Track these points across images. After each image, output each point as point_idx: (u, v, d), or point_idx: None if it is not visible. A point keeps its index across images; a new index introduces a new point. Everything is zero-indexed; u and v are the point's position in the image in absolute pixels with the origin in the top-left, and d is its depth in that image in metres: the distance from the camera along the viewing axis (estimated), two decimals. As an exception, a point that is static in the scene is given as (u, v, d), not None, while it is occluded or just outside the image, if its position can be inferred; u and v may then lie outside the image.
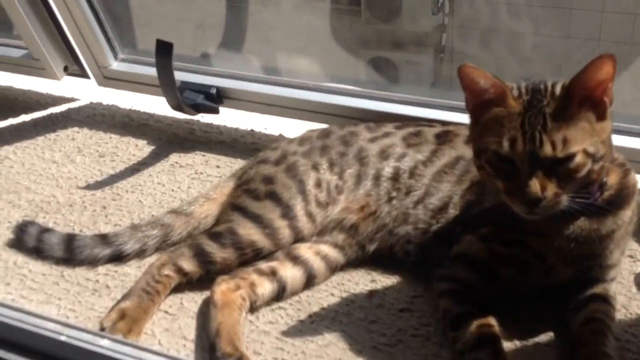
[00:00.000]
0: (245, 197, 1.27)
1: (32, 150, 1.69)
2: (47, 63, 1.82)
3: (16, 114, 1.86)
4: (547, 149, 0.94)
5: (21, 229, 1.35)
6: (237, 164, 1.58)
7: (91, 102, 1.90)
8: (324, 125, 1.62)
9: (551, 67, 2.32)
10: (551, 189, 0.95)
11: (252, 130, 1.71)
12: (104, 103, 1.89)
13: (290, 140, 1.36)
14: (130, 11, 1.92)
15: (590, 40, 2.28)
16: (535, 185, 0.94)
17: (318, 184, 1.25)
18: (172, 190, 1.51)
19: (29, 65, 1.87)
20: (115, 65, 1.76)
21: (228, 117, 1.75)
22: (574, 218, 1.02)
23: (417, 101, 1.48)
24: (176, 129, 1.75)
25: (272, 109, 1.62)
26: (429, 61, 2.62)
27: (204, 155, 1.63)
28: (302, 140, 1.34)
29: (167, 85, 1.54)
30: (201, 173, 1.56)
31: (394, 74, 2.53)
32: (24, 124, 1.82)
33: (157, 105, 1.84)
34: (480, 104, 1.01)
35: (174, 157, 1.63)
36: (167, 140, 1.71)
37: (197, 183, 1.53)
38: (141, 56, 1.90)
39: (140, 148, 1.68)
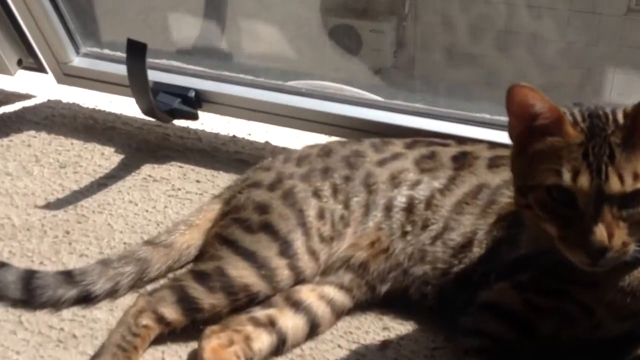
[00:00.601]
0: (236, 228, 1.10)
1: (-19, 159, 1.48)
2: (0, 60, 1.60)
3: (-38, 113, 1.64)
4: (615, 184, 0.79)
5: (-32, 264, 1.16)
6: (220, 178, 1.40)
7: (49, 100, 1.68)
8: (315, 135, 1.46)
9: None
10: (619, 237, 0.80)
11: (234, 137, 1.53)
12: (64, 101, 1.68)
13: (286, 159, 1.18)
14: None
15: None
16: (601, 231, 0.79)
17: (320, 215, 1.08)
18: (146, 211, 1.32)
19: (-24, 57, 1.64)
20: (77, 62, 1.55)
21: (206, 121, 1.56)
22: (631, 267, 0.87)
23: (423, 111, 1.31)
24: (147, 133, 1.55)
25: (258, 115, 1.43)
26: (392, 30, 2.53)
27: (180, 167, 1.44)
28: (299, 159, 1.17)
29: (139, 90, 1.34)
30: (179, 189, 1.38)
31: (357, 43, 2.42)
32: (-30, 126, 1.60)
33: (124, 105, 1.64)
34: (530, 131, 0.85)
35: (146, 169, 1.44)
36: (138, 147, 1.51)
37: (174, 202, 1.34)
38: (106, 49, 1.69)
39: (107, 157, 1.48)
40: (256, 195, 1.12)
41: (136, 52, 1.26)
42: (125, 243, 1.24)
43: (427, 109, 1.30)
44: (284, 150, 1.47)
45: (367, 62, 2.40)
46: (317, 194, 1.10)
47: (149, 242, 1.16)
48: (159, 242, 1.15)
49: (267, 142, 1.50)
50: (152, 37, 1.66)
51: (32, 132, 1.56)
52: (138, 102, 1.39)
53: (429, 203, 1.06)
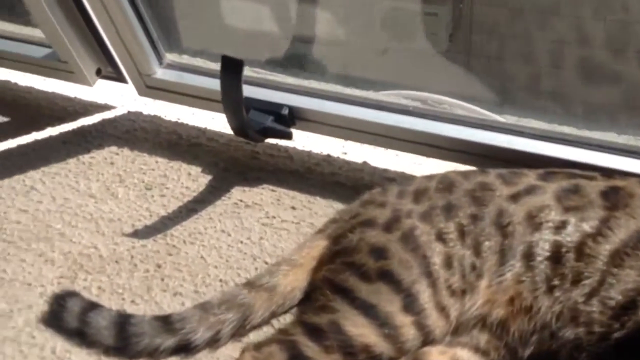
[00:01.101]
0: (350, 274, 0.98)
1: (63, 179, 1.40)
2: (77, 67, 1.51)
3: (40, 126, 1.56)
4: None
5: (59, 302, 1.07)
6: (317, 204, 1.29)
7: (129, 112, 1.59)
8: (418, 156, 1.33)
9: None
10: None
11: (328, 156, 1.41)
12: (145, 113, 1.59)
13: (400, 193, 1.06)
14: (173, 3, 1.60)
15: None
16: None
17: (448, 263, 0.96)
18: (241, 242, 1.22)
19: (54, 67, 1.56)
20: (160, 74, 1.45)
21: (296, 137, 1.44)
22: None
23: (554, 136, 1.16)
24: (235, 151, 1.45)
25: (359, 135, 1.31)
26: (448, 12, 2.34)
27: (273, 191, 1.33)
28: (416, 194, 1.04)
29: (232, 109, 1.23)
30: (273, 217, 1.27)
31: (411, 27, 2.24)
32: (50, 140, 1.52)
33: (207, 117, 1.54)
34: None
35: (237, 193, 1.34)
36: (226, 167, 1.41)
37: (270, 232, 1.24)
38: (185, 54, 1.60)
39: (194, 178, 1.38)
40: (371, 237, 1.00)
41: (231, 69, 1.16)
42: (221, 280, 1.14)
43: (559, 133, 1.16)
44: (384, 171, 1.36)
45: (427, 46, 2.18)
46: (441, 237, 0.98)
47: (250, 285, 1.06)
48: (261, 284, 1.05)
49: (365, 163, 1.38)
50: (236, 45, 1.56)
51: (114, 149, 1.48)
52: (230, 121, 1.29)
53: (580, 251, 0.92)
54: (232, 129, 1.31)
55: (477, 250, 0.96)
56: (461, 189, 1.03)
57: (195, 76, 1.43)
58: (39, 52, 1.55)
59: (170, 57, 1.50)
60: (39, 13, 1.44)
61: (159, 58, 1.44)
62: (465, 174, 1.08)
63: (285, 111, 1.32)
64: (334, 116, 1.32)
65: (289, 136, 1.32)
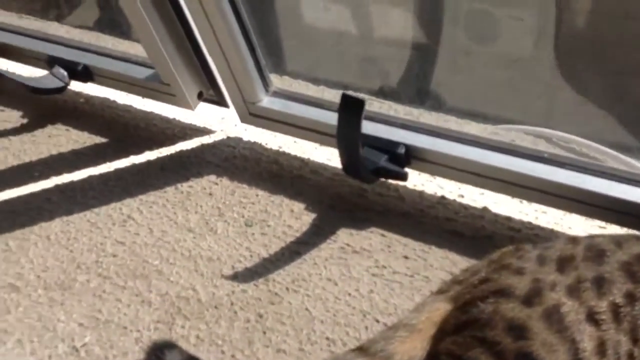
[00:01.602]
0: (481, 352, 0.86)
1: (160, 208, 1.34)
2: (179, 90, 1.44)
3: (139, 149, 1.51)
4: None
5: (157, 354, 1.00)
6: (432, 254, 1.18)
7: (228, 138, 1.52)
8: (549, 208, 1.19)
9: None
10: None
11: (443, 198, 1.29)
12: (245, 139, 1.51)
13: (541, 259, 0.93)
14: (278, 25, 1.52)
15: None
16: None
17: (600, 350, 0.83)
18: (348, 294, 1.12)
19: (156, 89, 1.50)
20: (266, 102, 1.37)
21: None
22: None
23: None
24: (340, 187, 1.35)
25: (480, 180, 1.19)
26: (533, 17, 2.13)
27: (383, 236, 1.23)
28: (561, 262, 0.91)
29: (348, 148, 1.13)
30: (384, 266, 1.16)
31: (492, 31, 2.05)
32: (149, 165, 1.46)
33: (310, 147, 1.45)
34: None
35: (343, 235, 1.24)
36: (331, 204, 1.31)
37: (380, 284, 1.13)
38: (286, 76, 1.52)
39: (297, 215, 1.29)
40: (507, 310, 0.88)
41: (351, 109, 1.06)
42: (328, 339, 1.05)
43: None
44: (508, 220, 1.23)
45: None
46: (592, 317, 0.85)
47: (363, 352, 0.95)
48: (376, 352, 0.94)
49: (485, 209, 1.25)
50: (345, 69, 1.46)
51: (213, 178, 1.41)
52: (343, 160, 1.19)
53: None
54: (344, 167, 1.21)
55: (635, 337, 0.83)
56: (613, 260, 0.90)
57: (302, 106, 1.33)
58: (141, 72, 1.50)
59: (277, 84, 1.43)
60: (144, 33, 1.39)
61: (266, 85, 1.36)
62: (617, 241, 0.94)
63: (402, 150, 1.21)
64: (453, 158, 1.20)
65: (403, 177, 1.21)
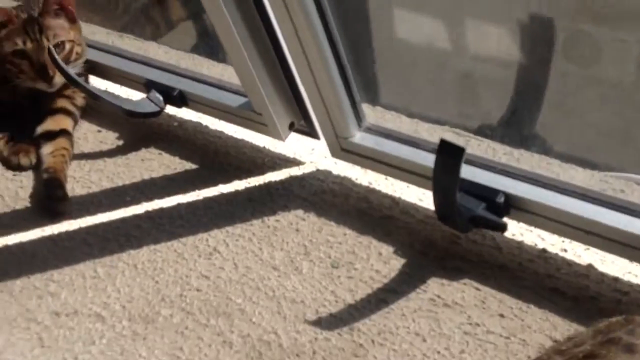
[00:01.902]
0: None
1: (246, 242, 1.32)
2: (271, 120, 1.43)
3: (227, 177, 1.50)
4: None
5: (235, 403, 0.98)
6: (530, 315, 1.09)
7: (318, 170, 1.49)
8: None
9: None
10: None
11: (544, 252, 1.20)
12: (334, 173, 1.47)
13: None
14: (374, 55, 1.47)
15: None
16: None
17: None
18: (437, 352, 1.06)
19: (248, 117, 1.49)
20: (358, 138, 1.32)
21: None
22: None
23: None
24: (432, 231, 1.29)
25: (587, 237, 1.10)
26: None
27: (477, 289, 1.15)
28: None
29: (443, 195, 1.08)
30: (477, 324, 1.09)
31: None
32: (237, 195, 1.45)
33: (402, 185, 1.39)
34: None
35: (434, 285, 1.18)
36: (421, 250, 1.25)
37: (472, 344, 1.06)
38: (378, 106, 1.47)
39: (385, 259, 1.24)
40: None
41: (449, 155, 1.00)
42: (414, 402, 0.99)
43: None
44: (615, 281, 1.13)
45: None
46: None
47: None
48: None
49: (590, 266, 1.16)
50: (444, 107, 1.40)
51: (301, 212, 1.37)
52: (437, 205, 1.13)
53: None
54: (438, 213, 1.15)
55: None
56: None
57: (396, 144, 1.28)
58: (234, 100, 1.49)
59: (369, 116, 1.38)
60: (238, 61, 1.38)
61: (359, 121, 1.32)
62: None
63: (501, 199, 1.13)
64: (556, 210, 1.12)
65: (502, 229, 1.14)
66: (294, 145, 1.55)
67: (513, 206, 1.15)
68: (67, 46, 1.55)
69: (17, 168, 1.52)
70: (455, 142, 0.99)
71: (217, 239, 1.33)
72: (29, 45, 1.51)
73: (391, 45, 1.58)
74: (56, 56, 1.48)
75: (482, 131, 1.40)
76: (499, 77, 1.51)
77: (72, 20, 1.59)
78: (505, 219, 1.17)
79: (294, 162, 1.52)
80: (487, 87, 1.51)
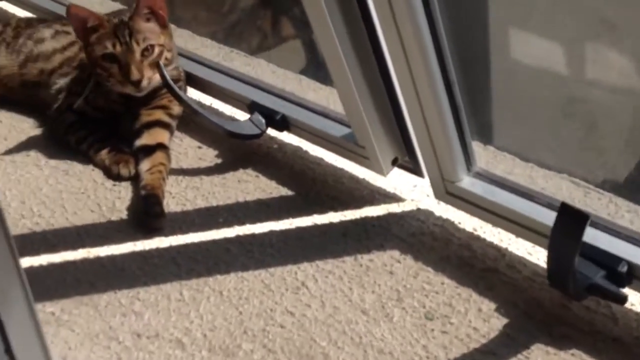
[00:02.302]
0: None
1: (336, 280, 1.25)
2: (374, 154, 1.36)
3: (323, 207, 1.44)
4: None
5: None
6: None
7: (419, 209, 1.40)
8: None
9: None
10: None
11: (667, 330, 1.08)
12: (437, 214, 1.38)
13: None
14: (491, 94, 1.38)
15: None
16: None
17: None
18: None
19: (349, 149, 1.43)
20: (466, 183, 1.24)
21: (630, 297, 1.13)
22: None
23: None
24: (539, 291, 1.17)
25: None
26: None
27: (587, 365, 1.04)
28: None
29: (559, 260, 0.97)
30: (585, 405, 0.98)
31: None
32: (330, 227, 1.39)
33: (510, 235, 1.29)
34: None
35: (537, 352, 1.06)
36: (526, 311, 1.14)
37: None
38: (490, 146, 1.37)
39: (485, 317, 1.14)
40: None
41: (571, 221, 0.90)
42: None
43: None
44: None
45: None
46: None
47: None
48: None
49: None
50: (563, 154, 1.29)
51: (396, 254, 1.30)
52: (550, 268, 1.03)
53: None
54: (549, 276, 1.04)
55: None
56: None
57: (508, 194, 1.19)
58: (337, 130, 1.43)
59: (479, 155, 1.29)
60: (344, 90, 1.32)
61: (468, 165, 1.23)
62: None
63: (623, 268, 1.01)
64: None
65: (622, 301, 1.02)
66: (395, 179, 1.48)
67: (636, 277, 1.03)
68: (157, 50, 1.53)
69: (117, 178, 1.52)
70: (579, 209, 0.89)
71: (306, 273, 1.27)
72: (118, 48, 1.51)
73: (510, 83, 1.48)
74: (163, 69, 1.49)
75: (605, 187, 1.28)
76: (631, 127, 1.38)
77: (163, 25, 1.57)
78: (626, 289, 1.05)
79: (394, 198, 1.45)
80: (616, 137, 1.38)
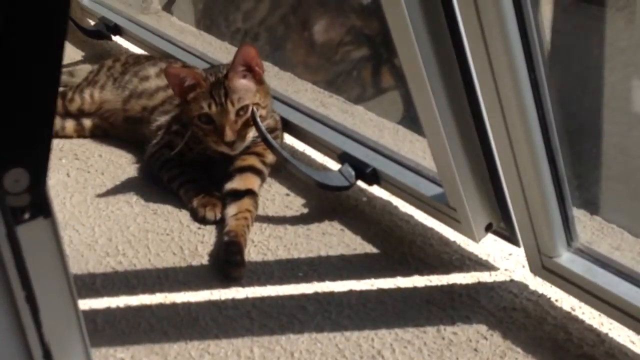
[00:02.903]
0: None
1: (415, 352, 1.16)
2: (465, 218, 1.27)
3: (408, 269, 1.36)
4: None
5: None
6: None
7: (512, 281, 1.30)
8: None
9: None
10: None
11: None
12: (531, 288, 1.27)
13: None
14: (600, 162, 1.27)
15: None
16: None
17: None
18: None
19: (440, 210, 1.35)
20: (565, 259, 1.12)
21: None
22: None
23: None
24: (643, 390, 1.05)
25: None
26: None
27: None
28: None
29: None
30: None
31: None
32: (414, 292, 1.31)
33: (612, 322, 1.16)
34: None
35: None
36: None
37: None
38: (606, 220, 1.26)
39: (578, 414, 1.03)
40: None
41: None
42: None
43: None
44: None
45: None
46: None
47: None
48: None
49: None
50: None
51: (484, 329, 1.19)
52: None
53: None
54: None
55: None
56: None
57: (612, 277, 1.07)
58: (429, 189, 1.36)
59: (583, 225, 1.18)
60: (437, 149, 1.25)
61: (569, 239, 1.12)
62: None
63: None
64: None
65: None
66: (489, 246, 1.38)
67: None
68: (251, 109, 1.51)
69: (202, 221, 1.51)
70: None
71: (384, 342, 1.19)
72: (214, 109, 1.50)
73: (623, 152, 1.36)
74: (259, 122, 1.48)
75: None
76: None
77: (259, 82, 1.56)
78: None
79: (486, 266, 1.35)
80: None
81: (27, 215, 0.65)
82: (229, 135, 1.49)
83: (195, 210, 1.54)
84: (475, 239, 1.30)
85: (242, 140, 1.52)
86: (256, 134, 1.53)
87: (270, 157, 1.63)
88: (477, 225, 1.28)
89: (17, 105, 0.61)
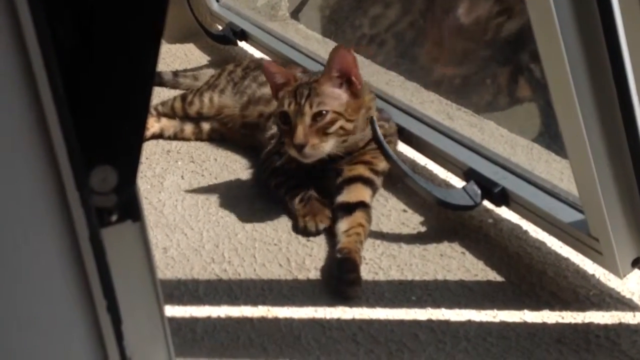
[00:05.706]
0: None
1: (541, 400, 1.02)
2: (610, 250, 1.11)
3: (537, 302, 1.20)
4: None
5: None
6: None
7: None
8: None
9: None
10: None
11: None
12: (684, 338, 1.09)
13: None
14: None
15: None
16: None
17: None
18: None
19: (579, 239, 1.18)
20: None
21: None
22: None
23: None
24: None
25: None
26: None
27: None
28: None
29: None
30: None
31: None
32: (543, 330, 1.14)
33: None
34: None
35: None
36: None
37: None
38: None
39: None
40: None
41: None
42: None
43: None
44: None
45: None
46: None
47: None
48: None
49: None
50: None
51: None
52: None
53: None
54: None
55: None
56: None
57: None
58: (567, 215, 1.20)
59: None
60: (582, 173, 1.09)
61: None
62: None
63: None
64: None
65: None
66: (633, 282, 1.20)
67: None
68: (329, 117, 1.40)
69: (304, 232, 1.43)
70: None
71: (500, 384, 1.05)
72: (292, 107, 1.41)
73: None
74: (376, 128, 1.37)
75: None
76: None
77: (355, 95, 1.43)
78: None
79: (629, 306, 1.17)
80: None
81: (114, 218, 0.58)
82: (299, 137, 1.38)
83: (296, 219, 1.45)
84: (619, 274, 1.12)
85: (314, 149, 1.39)
86: (336, 150, 1.43)
87: (381, 166, 1.52)
88: (622, 259, 1.11)
89: (109, 100, 0.55)
